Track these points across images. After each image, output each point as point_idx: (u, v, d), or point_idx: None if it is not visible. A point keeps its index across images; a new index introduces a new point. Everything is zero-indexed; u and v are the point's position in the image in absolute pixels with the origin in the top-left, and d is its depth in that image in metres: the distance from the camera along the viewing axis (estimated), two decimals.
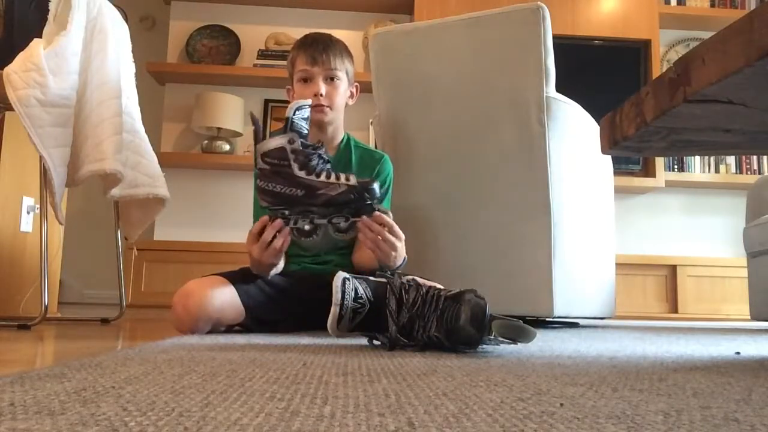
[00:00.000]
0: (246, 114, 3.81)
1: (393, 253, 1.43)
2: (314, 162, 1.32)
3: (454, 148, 2.15)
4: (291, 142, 1.30)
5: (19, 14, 1.94)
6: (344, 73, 1.71)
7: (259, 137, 1.34)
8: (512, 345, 1.11)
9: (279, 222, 1.36)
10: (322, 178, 1.32)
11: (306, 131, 1.34)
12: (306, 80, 1.68)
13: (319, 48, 1.67)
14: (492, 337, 1.04)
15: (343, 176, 1.35)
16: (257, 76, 3.77)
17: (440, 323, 1.05)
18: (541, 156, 2.02)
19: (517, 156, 2.06)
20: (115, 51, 1.84)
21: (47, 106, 1.60)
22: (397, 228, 1.44)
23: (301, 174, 1.31)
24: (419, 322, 1.07)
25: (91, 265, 3.62)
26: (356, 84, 1.80)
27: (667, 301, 3.71)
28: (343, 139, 1.77)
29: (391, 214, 1.47)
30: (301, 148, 1.31)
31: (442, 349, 1.06)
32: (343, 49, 1.72)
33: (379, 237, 1.40)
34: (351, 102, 1.78)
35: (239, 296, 1.46)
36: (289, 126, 1.33)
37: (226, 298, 1.44)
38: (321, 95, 1.65)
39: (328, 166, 1.37)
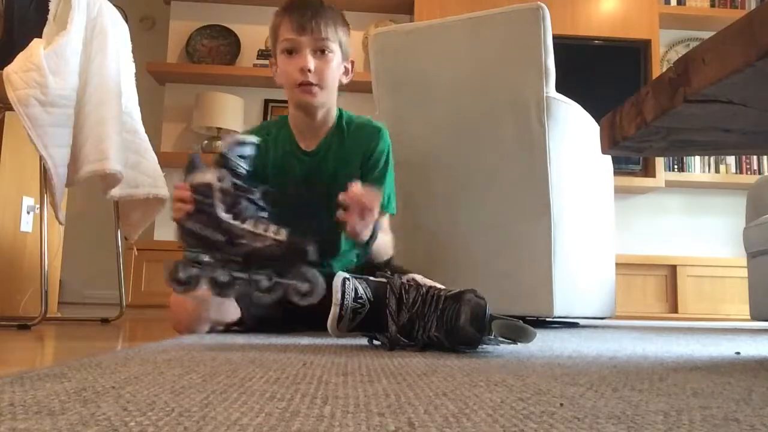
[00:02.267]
0: (246, 114, 3.82)
1: (366, 231, 1.32)
2: (242, 205, 1.18)
3: (454, 148, 2.15)
4: (220, 179, 1.16)
5: (19, 14, 1.94)
6: (337, 44, 1.47)
7: (193, 166, 1.21)
8: (512, 345, 1.11)
9: (186, 194, 1.18)
10: (247, 225, 1.17)
11: (245, 171, 1.20)
12: (291, 52, 1.44)
13: (307, 14, 1.43)
14: (492, 337, 1.04)
15: (272, 228, 1.19)
16: (257, 76, 3.77)
17: (440, 323, 1.05)
18: (541, 156, 2.02)
19: (517, 156, 2.06)
20: (115, 51, 1.84)
21: (47, 106, 1.60)
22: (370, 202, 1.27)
23: (225, 216, 1.17)
24: (419, 322, 1.07)
25: (91, 265, 3.62)
26: (352, 60, 1.57)
27: (667, 301, 3.71)
28: (335, 121, 1.54)
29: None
30: (230, 188, 1.17)
31: (442, 349, 1.06)
32: (336, 16, 1.48)
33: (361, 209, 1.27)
34: (345, 80, 1.54)
35: None
36: (222, 162, 1.19)
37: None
38: (309, 71, 1.41)
39: (262, 214, 1.22)
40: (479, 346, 1.07)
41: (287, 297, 1.19)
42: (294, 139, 1.55)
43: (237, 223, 1.17)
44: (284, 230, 1.19)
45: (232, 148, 1.19)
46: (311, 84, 1.43)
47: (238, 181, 1.18)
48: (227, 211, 1.16)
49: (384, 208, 1.52)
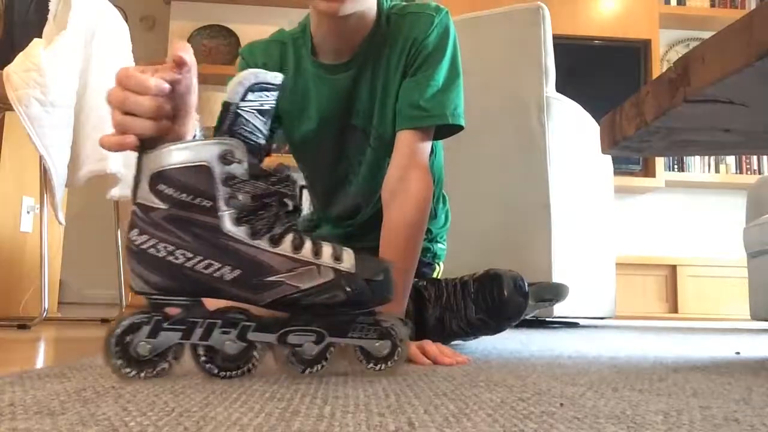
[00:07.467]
0: None
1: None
2: (269, 215, 0.64)
3: (454, 147, 2.14)
4: (226, 159, 0.64)
5: (19, 14, 1.94)
6: None
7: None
8: (550, 305, 1.09)
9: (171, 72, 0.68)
10: (284, 248, 0.64)
11: (263, 137, 0.67)
12: None
13: None
14: (531, 303, 1.02)
15: (327, 250, 0.67)
16: None
17: (479, 305, 1.02)
18: (540, 156, 2.02)
19: (516, 156, 2.06)
20: (115, 51, 1.84)
21: (47, 106, 1.60)
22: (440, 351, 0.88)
23: (237, 233, 0.63)
24: (449, 314, 1.04)
25: (91, 265, 3.62)
26: None
27: (667, 301, 3.71)
28: (373, 23, 1.03)
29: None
30: (246, 176, 0.64)
31: (486, 332, 1.03)
32: None
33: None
34: None
35: None
36: (227, 123, 0.66)
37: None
38: None
39: (294, 225, 0.66)
40: (522, 316, 1.05)
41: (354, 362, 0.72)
42: (314, 56, 1.05)
43: (263, 244, 0.64)
44: (346, 251, 0.68)
45: (249, 92, 0.65)
46: None
47: (255, 161, 0.65)
48: (238, 222, 0.64)
49: (443, 120, 1.00)
